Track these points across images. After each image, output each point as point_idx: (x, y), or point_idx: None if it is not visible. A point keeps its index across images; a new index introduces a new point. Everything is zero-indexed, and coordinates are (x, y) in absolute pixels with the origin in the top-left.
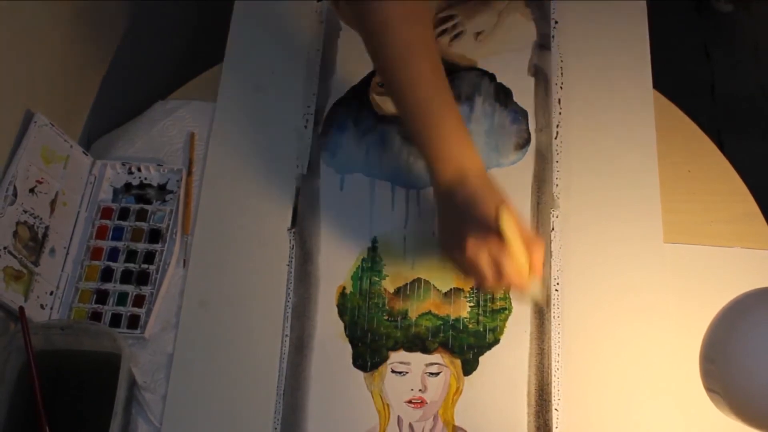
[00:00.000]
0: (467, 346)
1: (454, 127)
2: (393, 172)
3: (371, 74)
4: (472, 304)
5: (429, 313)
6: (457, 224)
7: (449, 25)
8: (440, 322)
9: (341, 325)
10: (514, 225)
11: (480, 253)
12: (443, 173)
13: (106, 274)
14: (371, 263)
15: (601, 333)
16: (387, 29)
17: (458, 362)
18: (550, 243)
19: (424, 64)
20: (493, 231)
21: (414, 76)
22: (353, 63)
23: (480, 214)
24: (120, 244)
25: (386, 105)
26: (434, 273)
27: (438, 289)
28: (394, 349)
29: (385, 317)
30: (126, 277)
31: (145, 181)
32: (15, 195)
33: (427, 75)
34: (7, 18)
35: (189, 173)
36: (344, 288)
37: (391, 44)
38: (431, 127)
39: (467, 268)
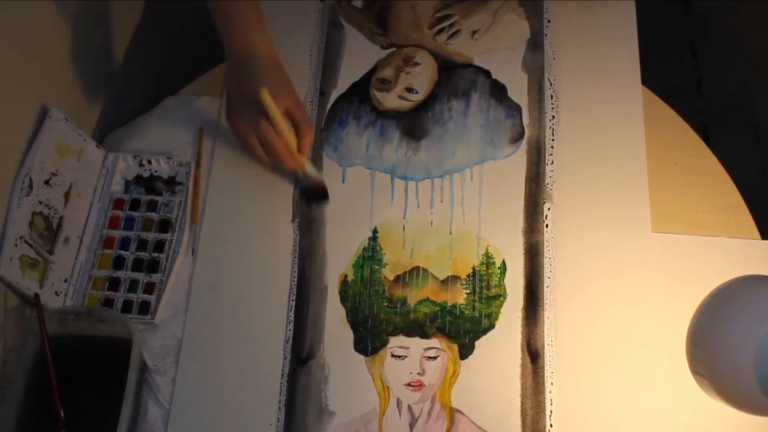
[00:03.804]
0: (464, 331)
1: (249, 10)
2: (392, 165)
3: (372, 71)
4: (468, 291)
5: (427, 299)
6: (237, 100)
7: (446, 23)
8: (438, 308)
9: (343, 311)
10: (274, 107)
11: (250, 130)
12: (233, 51)
13: (118, 263)
14: (372, 252)
15: (591, 319)
16: None
17: (455, 346)
18: (544, 233)
19: None
20: (271, 122)
21: None
22: (354, 60)
23: (256, 94)
24: (131, 234)
25: (386, 100)
26: (432, 261)
27: (436, 277)
28: (394, 334)
29: (385, 304)
30: (137, 265)
31: (155, 174)
32: (31, 187)
33: None
34: (23, 17)
35: (197, 166)
36: (346, 276)
37: None
38: (227, 8)
39: (242, 142)
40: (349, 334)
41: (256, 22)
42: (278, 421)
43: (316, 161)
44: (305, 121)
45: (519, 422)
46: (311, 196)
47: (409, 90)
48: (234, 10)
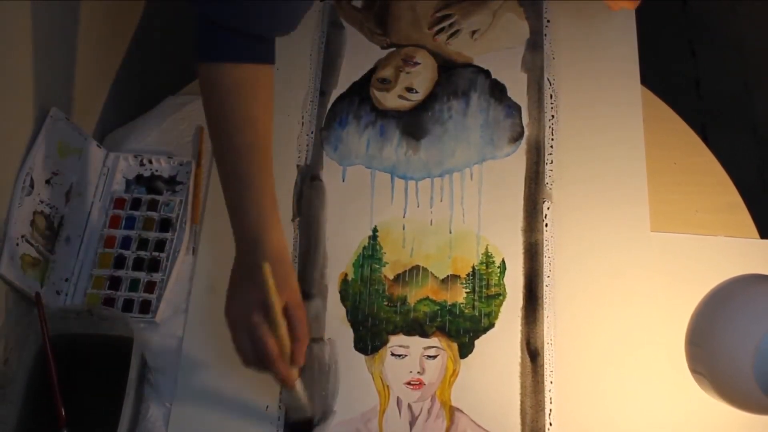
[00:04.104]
0: (463, 330)
1: (264, 199)
2: (392, 164)
3: (372, 70)
4: (468, 290)
5: (427, 298)
6: (236, 288)
7: (446, 23)
8: (438, 307)
9: (343, 310)
10: (274, 288)
11: (241, 321)
12: (242, 240)
13: (119, 262)
14: (372, 251)
15: (591, 318)
16: (212, 96)
17: (455, 345)
18: (543, 232)
19: (240, 137)
20: (267, 312)
21: (231, 146)
22: (354, 60)
23: (260, 293)
24: (132, 233)
25: (386, 100)
26: (432, 260)
27: (435, 276)
28: (394, 333)
29: (385, 303)
30: (138, 265)
31: (156, 173)
32: (32, 186)
33: (244, 147)
34: (25, 17)
35: (198, 165)
36: (346, 275)
37: (214, 111)
38: (241, 195)
39: (231, 334)
40: (349, 333)
41: (270, 213)
42: (279, 420)
43: (317, 160)
44: (302, 326)
45: (518, 421)
46: (294, 427)
47: (409, 90)
48: (250, 199)
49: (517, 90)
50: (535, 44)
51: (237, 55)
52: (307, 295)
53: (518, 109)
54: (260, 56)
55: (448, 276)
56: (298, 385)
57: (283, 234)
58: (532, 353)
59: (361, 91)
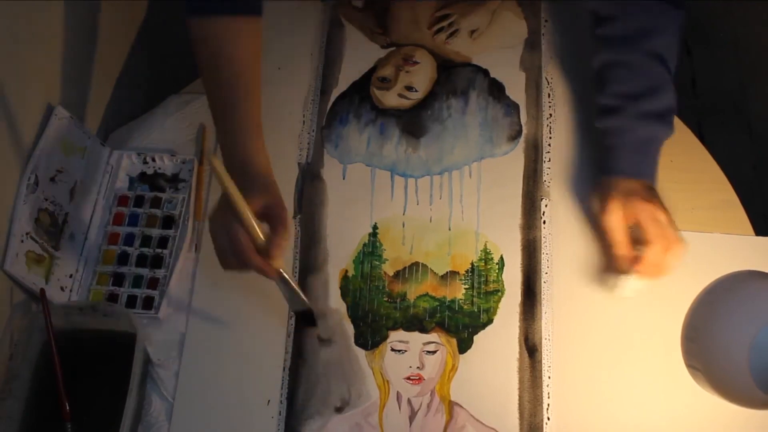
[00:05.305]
0: (462, 325)
1: (250, 125)
2: (392, 162)
3: (372, 69)
4: (467, 287)
5: (426, 294)
6: (220, 207)
7: (445, 23)
8: (437, 303)
9: (344, 306)
10: (227, 178)
11: (220, 230)
12: (231, 165)
13: (123, 258)
14: (372, 248)
15: (588, 314)
16: (203, 44)
17: (454, 341)
18: (541, 229)
19: (228, 70)
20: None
21: (219, 81)
22: (355, 59)
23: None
24: (135, 230)
25: (386, 99)
26: (431, 257)
27: (435, 272)
28: (394, 328)
29: (385, 299)
30: (141, 261)
31: (159, 171)
32: (36, 183)
33: (231, 79)
34: (30, 17)
35: (200, 163)
36: (346, 271)
37: (205, 55)
38: (229, 124)
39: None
40: (349, 329)
41: (256, 138)
42: (279, 414)
43: (318, 158)
44: (281, 222)
45: (517, 415)
46: (300, 318)
47: (409, 88)
48: (237, 125)
49: (516, 89)
50: (533, 43)
51: (225, 8)
52: (307, 294)
53: (516, 107)
54: (248, 9)
55: (447, 272)
56: (279, 278)
57: (268, 158)
58: (530, 349)
59: (361, 89)
